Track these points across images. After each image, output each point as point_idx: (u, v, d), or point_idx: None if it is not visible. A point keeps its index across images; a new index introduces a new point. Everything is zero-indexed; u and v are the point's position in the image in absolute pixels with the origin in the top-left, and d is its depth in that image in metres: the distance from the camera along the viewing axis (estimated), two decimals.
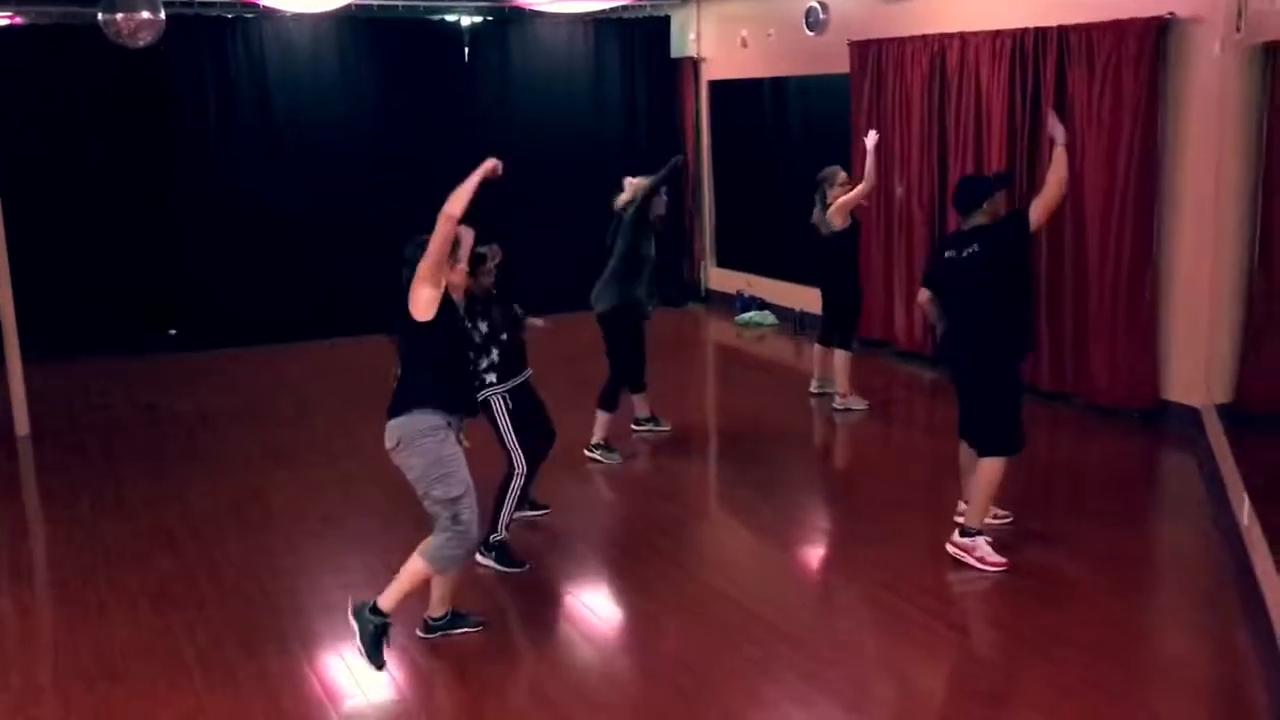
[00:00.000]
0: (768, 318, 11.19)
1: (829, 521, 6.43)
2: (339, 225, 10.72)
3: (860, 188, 7.82)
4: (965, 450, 5.64)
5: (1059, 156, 5.30)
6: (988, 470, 5.36)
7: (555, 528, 6.12)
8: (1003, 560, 5.34)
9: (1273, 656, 4.25)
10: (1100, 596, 5.10)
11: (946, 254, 5.50)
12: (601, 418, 7.10)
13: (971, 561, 5.35)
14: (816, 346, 8.41)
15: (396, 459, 4.55)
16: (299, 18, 10.45)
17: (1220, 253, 6.79)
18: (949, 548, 5.45)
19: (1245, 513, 5.20)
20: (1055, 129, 5.39)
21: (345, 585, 5.41)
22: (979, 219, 5.35)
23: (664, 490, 6.85)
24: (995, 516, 5.71)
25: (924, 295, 5.76)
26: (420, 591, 4.67)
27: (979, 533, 5.40)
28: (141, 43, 8.72)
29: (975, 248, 5.29)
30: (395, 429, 4.49)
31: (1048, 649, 4.64)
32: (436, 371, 4.50)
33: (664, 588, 5.38)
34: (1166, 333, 7.42)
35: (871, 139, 7.97)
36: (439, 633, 4.83)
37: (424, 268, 4.34)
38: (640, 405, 7.54)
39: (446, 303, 4.49)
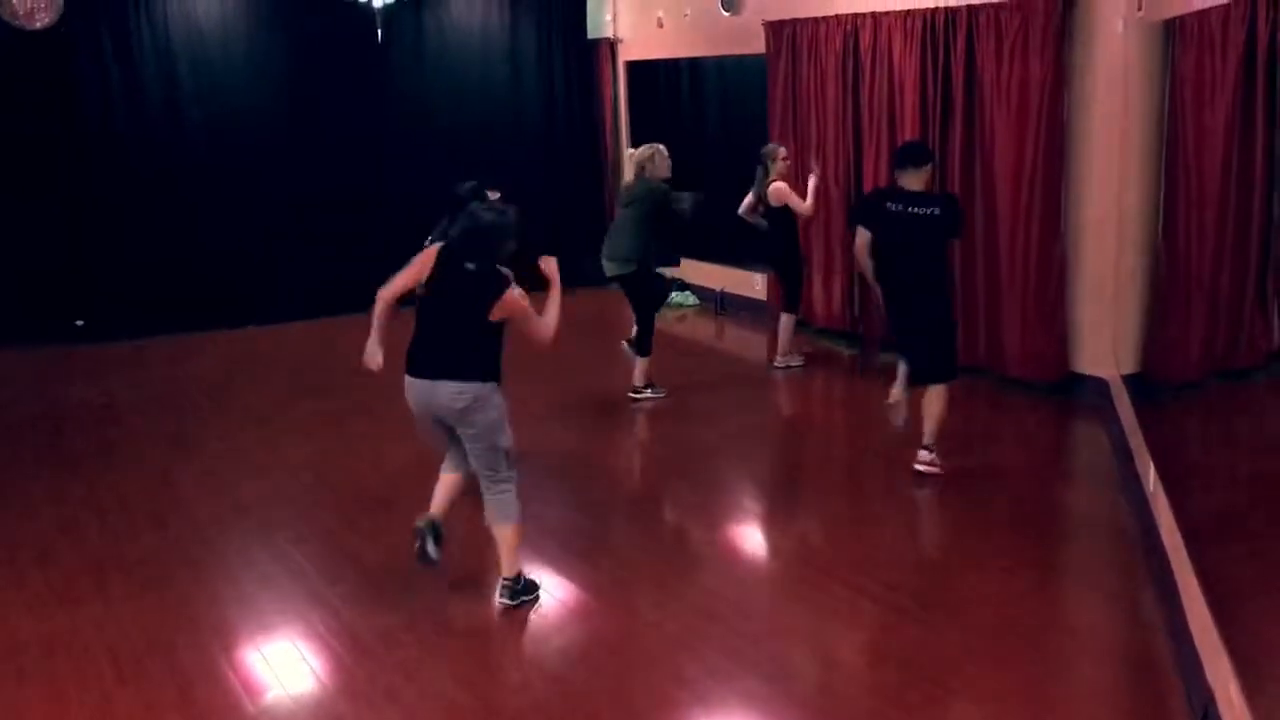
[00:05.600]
0: (689, 298, 11.20)
1: (751, 500, 6.47)
2: (250, 210, 10.50)
3: (803, 207, 8.21)
4: (899, 388, 6.34)
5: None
6: (941, 396, 6.12)
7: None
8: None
9: (1177, 617, 4.37)
10: (1011, 563, 5.21)
11: (891, 207, 5.98)
12: (640, 363, 7.88)
13: (938, 470, 6.14)
14: (784, 317, 8.57)
15: (464, 416, 4.75)
16: None
17: (1126, 227, 6.94)
18: (919, 466, 6.16)
19: (1151, 480, 5.33)
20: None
21: (259, 577, 5.33)
22: (917, 183, 5.95)
23: (586, 473, 6.83)
24: (934, 464, 6.22)
25: (865, 237, 6.16)
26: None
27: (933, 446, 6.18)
28: (39, 24, 8.45)
29: (936, 210, 5.95)
30: (471, 390, 4.71)
31: (960, 615, 4.73)
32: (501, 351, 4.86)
33: (586, 569, 5.38)
34: (1075, 306, 7.58)
35: (813, 180, 8.30)
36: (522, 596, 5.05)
37: (526, 312, 4.75)
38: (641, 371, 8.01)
39: None
